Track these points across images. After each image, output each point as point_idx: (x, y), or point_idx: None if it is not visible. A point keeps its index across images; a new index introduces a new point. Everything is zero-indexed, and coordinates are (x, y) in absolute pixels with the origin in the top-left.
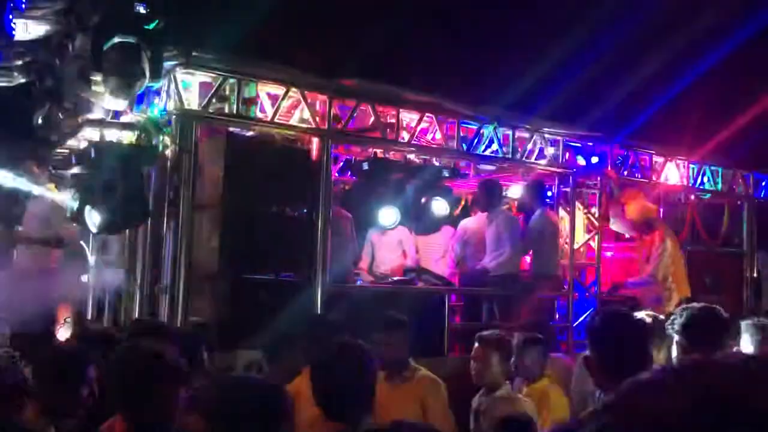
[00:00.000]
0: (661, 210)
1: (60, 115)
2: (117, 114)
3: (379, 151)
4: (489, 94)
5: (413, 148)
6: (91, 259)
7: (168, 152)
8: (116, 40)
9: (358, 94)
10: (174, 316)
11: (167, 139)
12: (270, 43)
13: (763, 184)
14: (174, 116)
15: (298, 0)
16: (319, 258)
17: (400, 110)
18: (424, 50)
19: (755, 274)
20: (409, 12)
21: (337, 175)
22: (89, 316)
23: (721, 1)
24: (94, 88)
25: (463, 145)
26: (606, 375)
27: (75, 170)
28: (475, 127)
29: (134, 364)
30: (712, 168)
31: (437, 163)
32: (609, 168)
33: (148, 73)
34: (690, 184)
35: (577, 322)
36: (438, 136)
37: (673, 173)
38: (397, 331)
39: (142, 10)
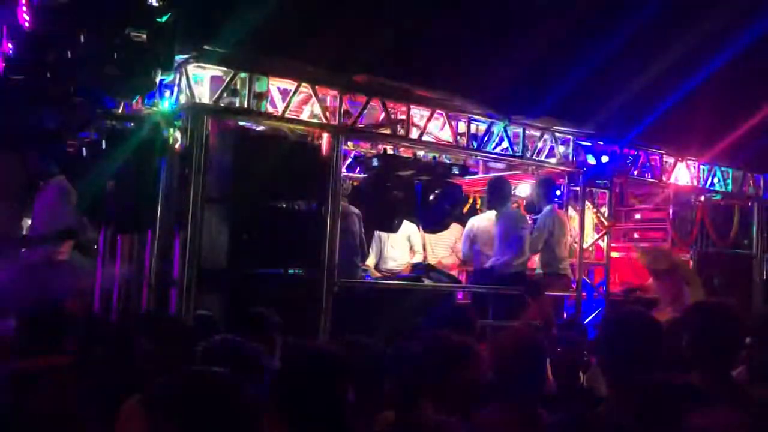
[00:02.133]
0: (671, 210)
1: (70, 107)
2: (128, 107)
3: (388, 147)
4: (500, 91)
5: (423, 145)
6: (100, 251)
7: (178, 146)
8: (128, 33)
9: (368, 90)
10: (182, 310)
11: (178, 133)
12: (281, 37)
13: None
14: (185, 110)
15: None
16: (327, 254)
17: (411, 107)
18: (435, 46)
19: (764, 277)
20: (420, 7)
21: (346, 171)
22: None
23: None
24: (105, 81)
25: (474, 142)
26: (617, 375)
27: (85, 162)
28: (485, 125)
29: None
30: (723, 169)
31: (447, 161)
32: (619, 168)
33: (159, 67)
34: (700, 185)
35: (585, 322)
36: (448, 132)
37: (683, 174)
38: None
39: (154, 2)
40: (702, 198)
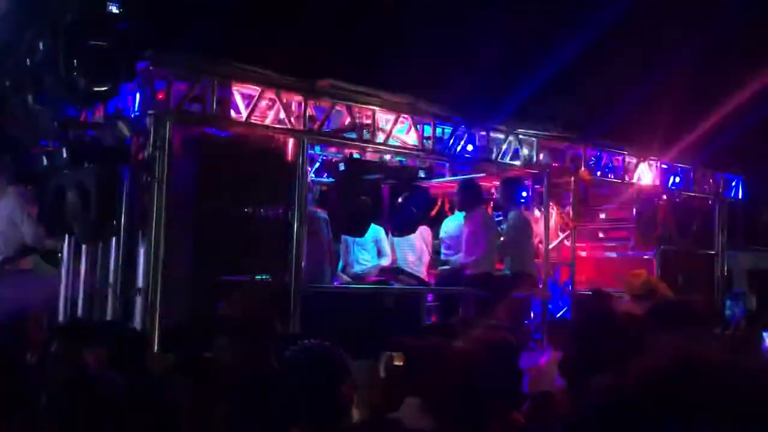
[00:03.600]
0: (635, 210)
1: (31, 116)
2: (89, 114)
3: (355, 151)
4: (464, 94)
5: (389, 149)
6: (64, 260)
7: (141, 153)
8: (88, 40)
9: (333, 94)
10: (148, 318)
11: (140, 140)
12: (244, 43)
13: (733, 184)
14: (147, 117)
15: (274, 1)
16: (294, 259)
17: (376, 111)
18: (399, 51)
19: (725, 274)
20: (385, 14)
21: (312, 175)
22: (60, 319)
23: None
24: (66, 88)
25: (439, 145)
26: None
27: (47, 170)
28: (450, 128)
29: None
30: (684, 168)
31: (414, 164)
32: (582, 168)
33: (121, 74)
34: (662, 185)
35: (551, 320)
36: (414, 136)
37: (645, 174)
38: None
39: (114, 10)
40: (664, 197)
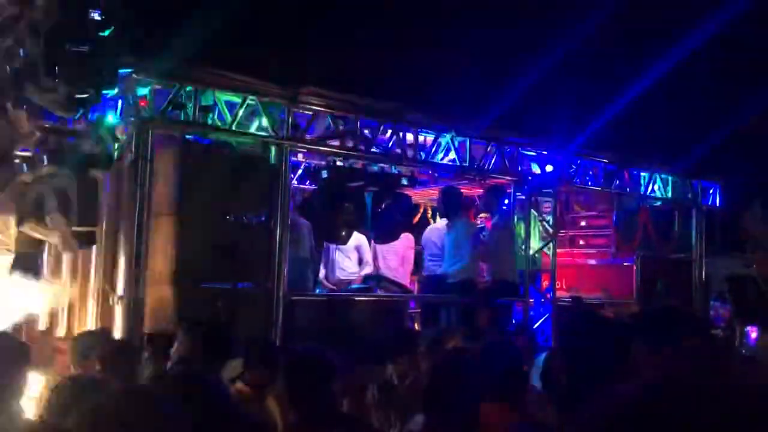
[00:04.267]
0: (615, 217)
1: (11, 122)
2: (70, 121)
3: (337, 159)
4: (447, 103)
5: (371, 156)
6: (44, 266)
7: (123, 160)
8: (70, 46)
9: (316, 102)
10: (129, 325)
11: (123, 147)
12: (228, 51)
13: (711, 192)
14: (129, 124)
15: (257, 9)
16: (276, 266)
17: (360, 118)
18: (383, 60)
19: (704, 280)
20: (368, 22)
21: (295, 182)
22: (41, 327)
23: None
24: (46, 95)
25: (422, 153)
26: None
27: (26, 178)
28: (432, 136)
29: None
30: (663, 176)
31: (396, 172)
32: (563, 176)
33: (102, 81)
34: (641, 192)
35: (533, 327)
36: (396, 144)
37: (625, 181)
38: None
39: (96, 16)
40: (644, 204)
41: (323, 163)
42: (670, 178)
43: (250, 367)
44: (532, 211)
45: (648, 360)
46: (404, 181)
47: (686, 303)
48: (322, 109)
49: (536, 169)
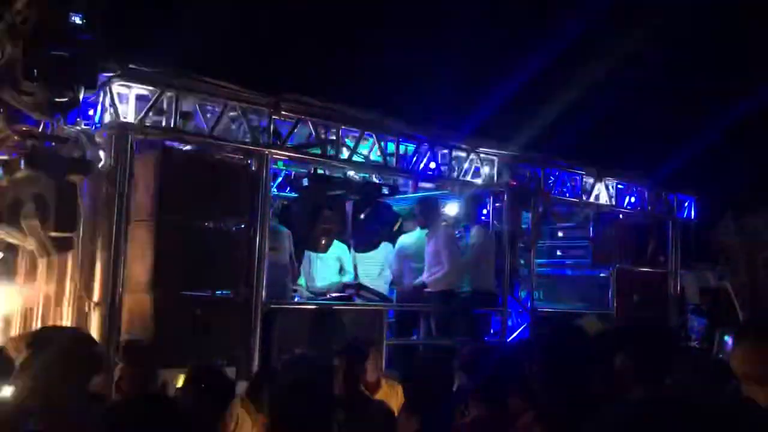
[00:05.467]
0: (591, 229)
1: None
2: (48, 125)
3: (318, 167)
4: (427, 112)
5: (353, 165)
6: (20, 271)
7: (101, 165)
8: (49, 50)
9: (298, 110)
10: (105, 332)
11: (101, 152)
12: (209, 57)
13: (686, 204)
14: (109, 129)
15: (239, 15)
16: (256, 274)
17: (341, 127)
18: (364, 68)
19: (679, 292)
20: (351, 31)
21: (276, 190)
22: (13, 333)
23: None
24: (25, 98)
25: (403, 162)
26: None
27: (2, 182)
28: (413, 146)
29: None
30: (639, 189)
31: (377, 180)
32: (541, 187)
33: (82, 85)
34: (618, 204)
35: (511, 337)
36: (377, 153)
37: (602, 193)
38: None
39: (77, 20)
40: (620, 216)
41: (304, 171)
42: (646, 190)
43: None
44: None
45: (631, 376)
46: (385, 190)
47: (662, 315)
48: (303, 116)
49: (515, 179)
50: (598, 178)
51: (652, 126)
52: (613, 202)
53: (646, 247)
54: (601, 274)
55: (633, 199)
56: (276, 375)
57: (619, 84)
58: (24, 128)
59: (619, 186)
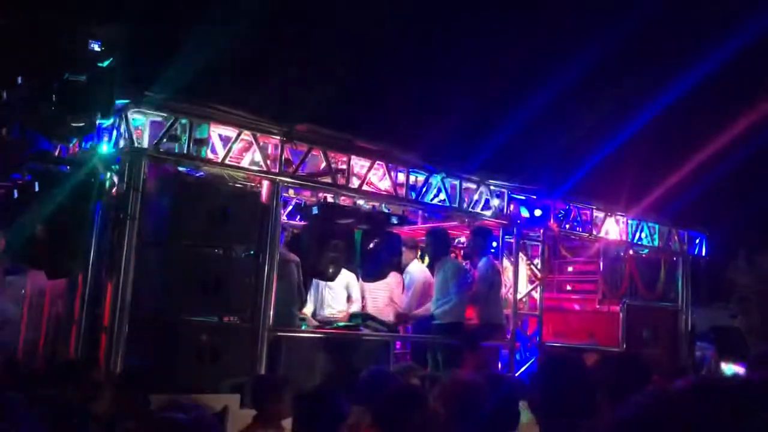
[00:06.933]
0: (601, 264)
1: (4, 148)
2: (64, 149)
3: (329, 196)
4: (438, 144)
5: (363, 195)
6: (27, 293)
7: (115, 190)
8: (67, 76)
9: (310, 139)
10: (112, 356)
11: (115, 177)
12: (224, 85)
13: (698, 241)
14: (123, 154)
15: (254, 45)
16: (263, 301)
17: (352, 157)
18: (377, 99)
19: (689, 329)
20: (364, 63)
21: (285, 218)
22: (20, 355)
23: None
24: (42, 122)
25: (412, 193)
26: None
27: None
28: (423, 177)
29: None
30: (650, 224)
31: (386, 210)
32: (551, 221)
33: (98, 110)
34: (628, 240)
35: (519, 371)
36: (388, 183)
37: (612, 228)
38: None
39: (96, 48)
40: (630, 252)
41: (314, 199)
42: (657, 226)
43: None
44: (521, 254)
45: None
46: (394, 220)
47: (672, 351)
48: (314, 145)
49: (525, 213)
50: (609, 213)
51: (663, 163)
52: (624, 238)
53: (656, 283)
54: (611, 309)
55: (643, 235)
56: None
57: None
58: (40, 152)
59: (630, 221)
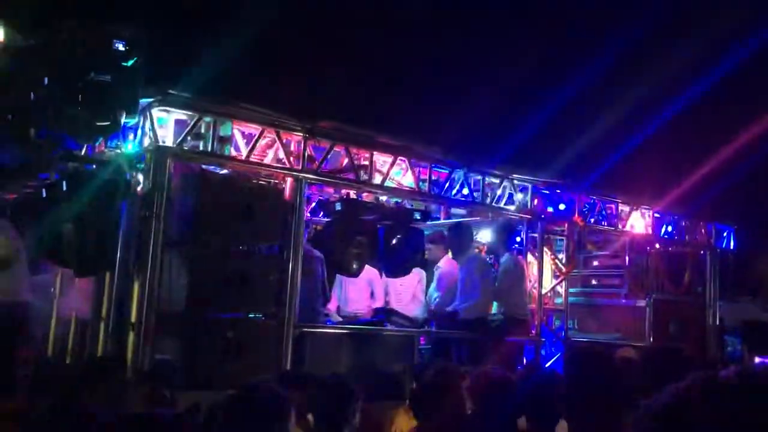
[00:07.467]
0: (627, 258)
1: (32, 148)
2: (90, 149)
3: (351, 192)
4: (461, 139)
5: (386, 191)
6: (56, 291)
7: (140, 188)
8: (92, 76)
9: (332, 135)
10: (140, 353)
11: (140, 175)
12: (246, 83)
13: (725, 234)
14: (148, 152)
15: (276, 42)
16: (288, 297)
17: (374, 153)
18: (399, 94)
19: (717, 323)
20: (385, 56)
21: (309, 215)
22: (50, 353)
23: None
24: (68, 122)
25: (435, 188)
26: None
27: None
28: (446, 171)
29: None
30: (676, 218)
31: (409, 206)
32: (576, 215)
33: (123, 109)
34: (654, 233)
35: (546, 366)
36: (410, 179)
37: (638, 222)
38: None
39: (120, 47)
40: (656, 246)
41: (337, 195)
42: (683, 220)
43: None
44: (545, 249)
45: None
46: (417, 216)
47: (700, 346)
48: (337, 142)
49: (549, 207)
50: (634, 206)
51: (690, 155)
52: (649, 231)
53: (683, 277)
54: (637, 304)
55: (670, 228)
56: None
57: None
58: (66, 151)
59: (656, 215)
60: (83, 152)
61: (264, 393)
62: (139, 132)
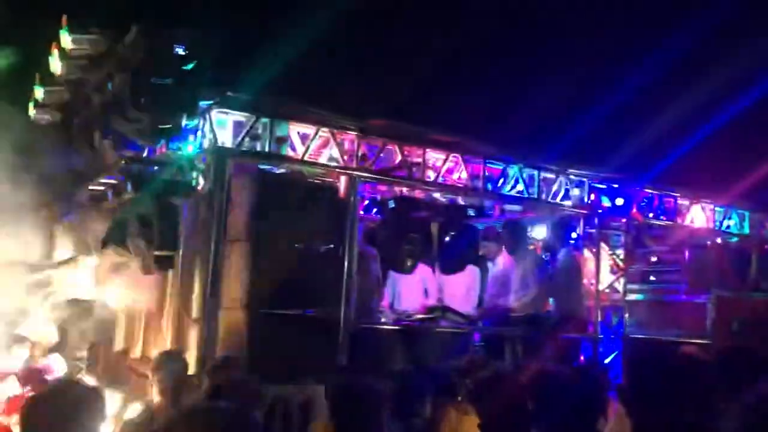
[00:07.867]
0: (687, 253)
1: (97, 151)
2: (152, 151)
3: (405, 189)
4: (515, 134)
5: (439, 188)
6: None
7: (201, 188)
8: (154, 80)
9: (385, 133)
10: (203, 348)
11: (201, 176)
12: (302, 84)
13: None
14: (208, 153)
15: (329, 43)
16: (344, 294)
17: (426, 150)
18: (451, 91)
19: None
20: (436, 54)
21: (363, 213)
22: (118, 348)
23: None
24: (131, 125)
25: (489, 184)
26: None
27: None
28: (500, 167)
29: None
30: (739, 211)
31: (463, 203)
32: (635, 210)
33: (184, 112)
34: (716, 228)
35: (604, 363)
36: (464, 175)
37: (698, 216)
38: None
39: (180, 51)
40: (718, 240)
41: (390, 193)
42: (747, 213)
43: None
44: (602, 245)
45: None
46: (471, 212)
47: (765, 345)
48: (390, 140)
49: (606, 202)
50: (694, 200)
51: (752, 147)
52: (710, 225)
53: (747, 272)
54: (698, 300)
55: (732, 222)
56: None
57: (717, 104)
58: (130, 153)
59: (717, 208)
60: (146, 154)
61: (362, 386)
62: (199, 134)
